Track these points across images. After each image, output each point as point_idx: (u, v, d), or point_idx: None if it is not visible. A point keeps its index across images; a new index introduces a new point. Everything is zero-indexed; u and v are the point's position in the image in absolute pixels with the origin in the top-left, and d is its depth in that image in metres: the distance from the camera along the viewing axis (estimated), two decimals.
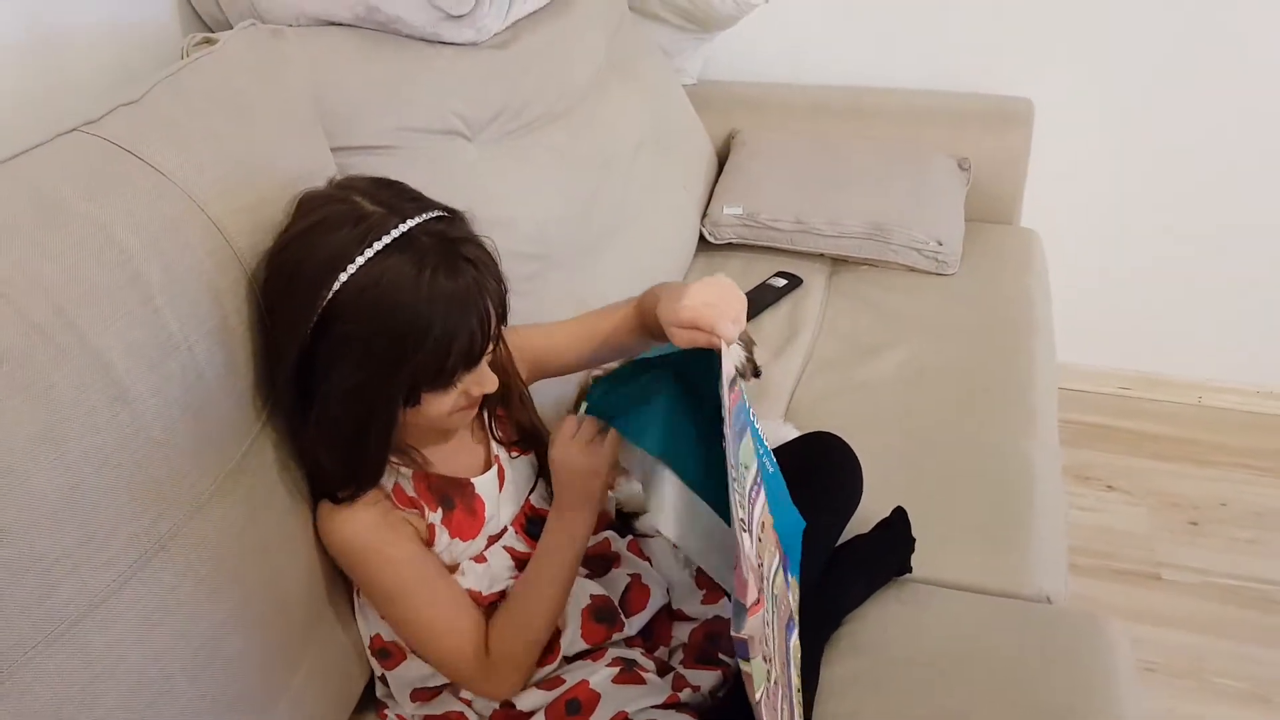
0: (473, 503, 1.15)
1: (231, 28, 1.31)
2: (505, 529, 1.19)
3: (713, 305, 0.98)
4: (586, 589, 1.20)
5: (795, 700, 1.05)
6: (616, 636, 1.21)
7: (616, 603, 1.22)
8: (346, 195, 1.02)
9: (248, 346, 1.04)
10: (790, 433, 1.57)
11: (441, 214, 1.02)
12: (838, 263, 2.28)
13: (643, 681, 1.15)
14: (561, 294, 1.66)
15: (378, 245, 0.96)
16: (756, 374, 1.67)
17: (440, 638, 1.11)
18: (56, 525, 0.81)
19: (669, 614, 1.27)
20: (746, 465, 0.94)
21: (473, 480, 1.16)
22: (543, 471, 1.25)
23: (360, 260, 0.95)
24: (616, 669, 1.15)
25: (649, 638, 1.24)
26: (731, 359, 0.96)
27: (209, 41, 1.23)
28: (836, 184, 2.27)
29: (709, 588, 1.27)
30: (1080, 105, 2.45)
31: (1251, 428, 2.64)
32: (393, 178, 1.06)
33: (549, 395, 1.42)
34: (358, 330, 0.96)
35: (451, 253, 0.98)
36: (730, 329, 0.97)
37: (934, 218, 2.20)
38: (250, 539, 1.02)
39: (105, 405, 0.86)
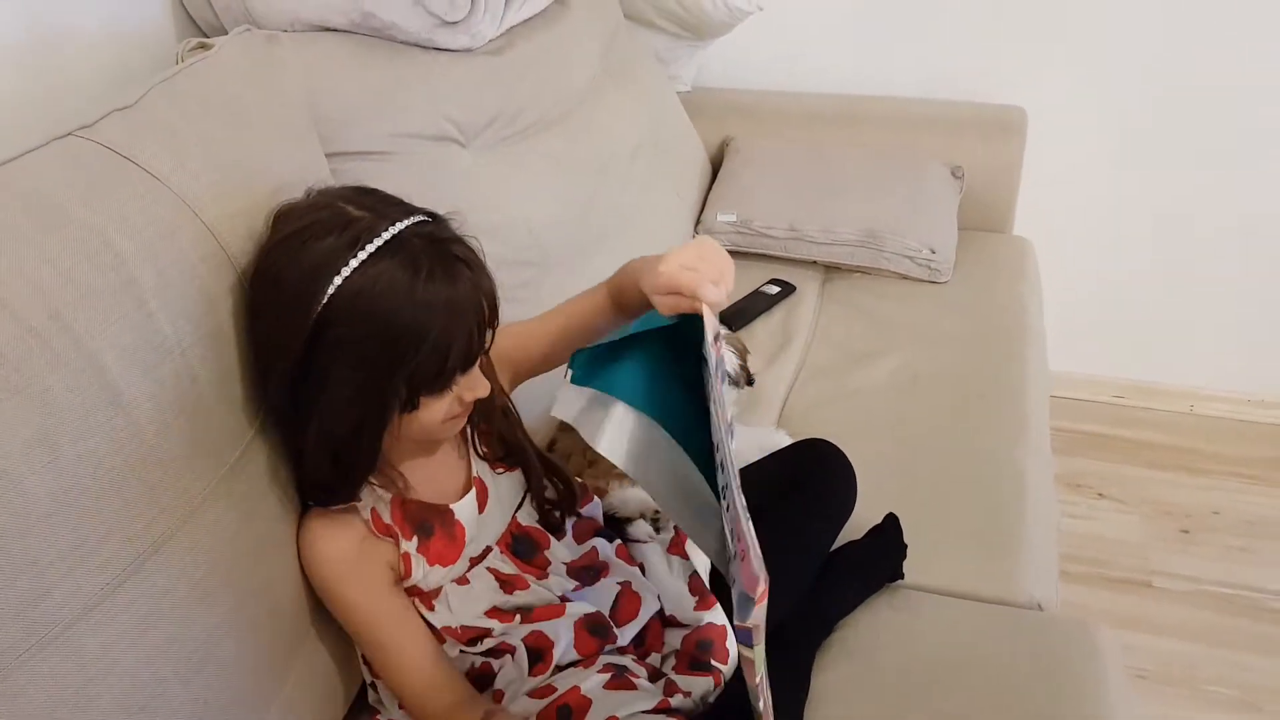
0: (452, 529, 1.14)
1: (226, 33, 1.31)
2: (489, 549, 1.18)
3: (691, 269, 0.95)
4: (579, 610, 1.19)
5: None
6: (609, 648, 1.20)
7: (608, 615, 1.21)
8: (330, 202, 1.01)
9: (242, 351, 1.04)
10: (783, 440, 1.57)
11: (427, 218, 1.02)
12: (831, 270, 2.28)
13: (634, 688, 1.14)
14: (556, 300, 1.65)
15: (369, 249, 0.95)
16: (750, 382, 1.67)
17: (405, 679, 1.12)
18: (50, 528, 0.81)
19: (661, 620, 1.27)
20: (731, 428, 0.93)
21: (452, 507, 1.15)
22: (530, 488, 1.24)
23: (353, 264, 0.95)
24: (608, 675, 1.14)
25: (640, 644, 1.24)
26: (713, 323, 0.93)
27: (204, 46, 1.24)
28: (830, 191, 2.28)
29: (701, 594, 1.27)
30: (1074, 114, 2.46)
31: (1244, 436, 2.65)
32: (387, 183, 1.06)
33: (536, 406, 1.41)
34: (352, 335, 0.96)
35: (444, 254, 0.98)
36: (712, 291, 0.94)
37: (927, 226, 2.21)
38: (244, 544, 1.02)
39: (99, 409, 0.86)
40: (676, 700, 1.16)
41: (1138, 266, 2.60)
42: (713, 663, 1.21)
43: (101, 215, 0.92)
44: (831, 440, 1.44)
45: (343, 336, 0.96)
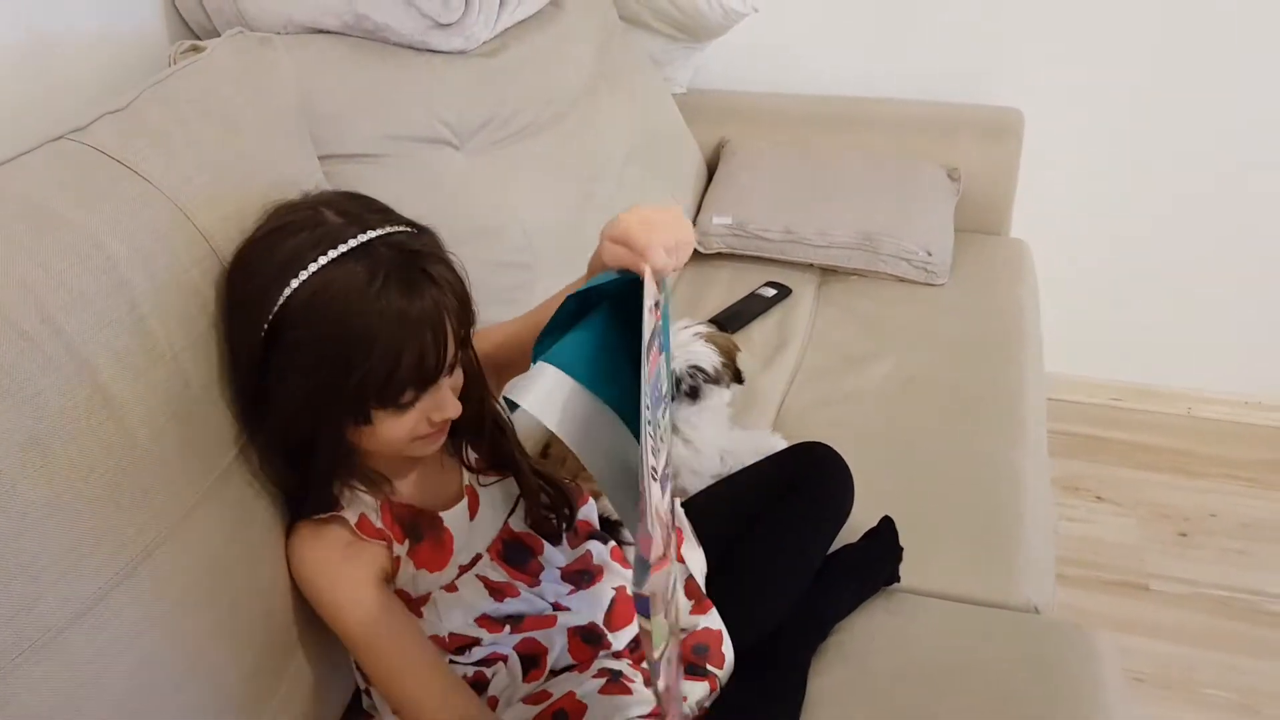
0: (441, 536, 1.13)
1: (219, 35, 1.31)
2: (479, 556, 1.17)
3: (649, 223, 0.92)
4: (570, 621, 1.18)
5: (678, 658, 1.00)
6: (604, 652, 1.20)
7: (601, 620, 1.20)
8: (314, 205, 1.01)
9: None
10: (779, 443, 1.57)
11: (408, 229, 1.01)
12: (827, 273, 2.28)
13: (629, 692, 1.14)
14: None
15: (332, 253, 0.95)
16: (739, 380, 1.66)
17: (400, 686, 1.10)
18: (42, 533, 0.81)
19: None
20: (666, 397, 0.88)
21: (441, 514, 1.14)
22: (523, 494, 1.22)
23: (313, 267, 0.95)
24: (603, 680, 1.14)
25: (636, 649, 1.24)
26: (653, 289, 0.89)
27: (196, 49, 1.23)
28: (826, 194, 2.28)
29: (696, 598, 1.27)
30: (1070, 116, 2.46)
31: (1241, 439, 2.65)
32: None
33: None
34: (307, 336, 0.95)
35: (409, 266, 0.97)
36: (660, 256, 0.89)
37: (924, 228, 2.21)
38: (236, 548, 1.01)
39: (92, 413, 0.86)
40: None
41: (1134, 269, 2.60)
42: (708, 667, 1.21)
43: (93, 219, 0.92)
44: (828, 443, 1.43)
45: (299, 339, 0.96)
